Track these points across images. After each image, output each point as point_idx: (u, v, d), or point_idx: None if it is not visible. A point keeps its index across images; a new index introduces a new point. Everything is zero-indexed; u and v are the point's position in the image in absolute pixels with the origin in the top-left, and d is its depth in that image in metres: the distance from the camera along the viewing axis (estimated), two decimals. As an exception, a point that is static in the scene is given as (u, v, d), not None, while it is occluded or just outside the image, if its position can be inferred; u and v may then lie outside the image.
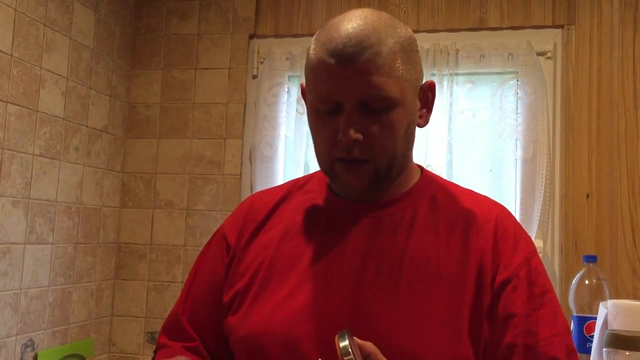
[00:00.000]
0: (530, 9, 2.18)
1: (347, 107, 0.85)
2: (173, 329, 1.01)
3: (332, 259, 0.89)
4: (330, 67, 0.84)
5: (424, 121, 0.94)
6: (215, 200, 2.33)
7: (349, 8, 2.25)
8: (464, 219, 0.91)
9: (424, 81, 0.93)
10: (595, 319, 1.46)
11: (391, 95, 0.85)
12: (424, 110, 0.93)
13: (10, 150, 1.81)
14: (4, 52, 1.78)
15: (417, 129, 0.93)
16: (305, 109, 0.96)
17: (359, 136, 0.84)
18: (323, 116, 0.88)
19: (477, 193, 0.98)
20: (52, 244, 2.01)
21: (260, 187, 2.19)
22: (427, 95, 0.93)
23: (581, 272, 1.64)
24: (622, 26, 2.11)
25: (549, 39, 2.18)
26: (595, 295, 1.58)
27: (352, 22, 0.85)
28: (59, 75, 2.02)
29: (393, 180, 0.92)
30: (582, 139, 2.09)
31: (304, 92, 0.96)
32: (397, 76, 0.85)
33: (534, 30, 2.18)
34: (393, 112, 0.86)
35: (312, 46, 0.89)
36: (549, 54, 2.17)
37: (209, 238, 1.07)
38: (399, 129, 0.87)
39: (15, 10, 1.82)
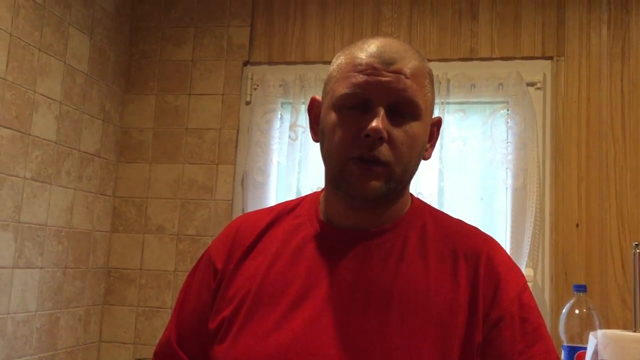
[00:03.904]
0: (520, 41, 2.22)
1: (378, 106, 0.85)
2: (166, 356, 0.99)
3: (321, 289, 0.88)
4: (370, 65, 0.86)
5: (428, 154, 0.94)
6: (207, 226, 2.33)
7: (342, 37, 2.30)
8: (453, 253, 0.89)
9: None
10: (586, 349, 1.46)
11: (420, 105, 0.87)
12: (428, 145, 0.94)
13: (1, 173, 1.81)
14: (-2, 76, 1.79)
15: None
16: (306, 128, 0.97)
17: (386, 134, 0.84)
18: (347, 113, 0.87)
19: (466, 224, 0.97)
20: (41, 268, 1.99)
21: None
22: (432, 131, 0.95)
23: (571, 301, 1.64)
24: (610, 58, 2.15)
25: (539, 70, 2.21)
26: (586, 325, 1.58)
27: (387, 39, 0.90)
28: (53, 99, 2.03)
29: (392, 202, 0.92)
30: (571, 168, 2.11)
31: (312, 104, 0.96)
32: (424, 93, 0.89)
33: (524, 61, 2.22)
34: (416, 124, 0.87)
35: (342, 57, 0.91)
36: (538, 85, 2.20)
37: (199, 263, 1.06)
38: (417, 142, 0.88)
39: (11, 35, 1.83)
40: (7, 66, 1.82)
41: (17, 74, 1.86)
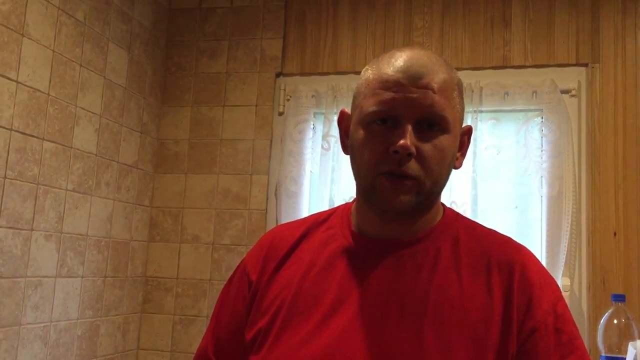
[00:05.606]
0: (554, 48, 2.21)
1: (406, 123, 0.86)
2: None
3: (354, 299, 0.89)
4: (397, 82, 0.87)
5: (459, 163, 0.95)
6: (241, 235, 2.36)
7: (374, 48, 2.32)
8: (487, 263, 0.90)
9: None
10: (625, 359, 1.44)
11: (448, 119, 0.87)
12: (459, 154, 0.95)
13: (45, 185, 1.87)
14: (42, 92, 1.85)
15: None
16: (338, 138, 0.98)
17: (414, 150, 0.85)
18: (375, 130, 0.88)
19: (500, 234, 0.96)
20: (82, 277, 2.05)
21: (285, 222, 2.21)
22: (463, 139, 0.96)
23: (610, 311, 1.62)
24: (646, 64, 2.12)
25: (573, 77, 2.19)
26: (625, 335, 1.56)
27: (414, 51, 0.90)
28: (93, 113, 2.09)
29: (424, 212, 0.92)
30: (608, 176, 2.08)
31: (342, 118, 0.97)
32: (453, 105, 0.89)
33: (558, 69, 2.20)
34: (445, 137, 0.88)
35: (370, 71, 0.92)
36: (573, 92, 2.18)
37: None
38: (447, 155, 0.89)
39: (53, 51, 1.90)
40: (50, 82, 1.88)
41: (60, 89, 1.93)
